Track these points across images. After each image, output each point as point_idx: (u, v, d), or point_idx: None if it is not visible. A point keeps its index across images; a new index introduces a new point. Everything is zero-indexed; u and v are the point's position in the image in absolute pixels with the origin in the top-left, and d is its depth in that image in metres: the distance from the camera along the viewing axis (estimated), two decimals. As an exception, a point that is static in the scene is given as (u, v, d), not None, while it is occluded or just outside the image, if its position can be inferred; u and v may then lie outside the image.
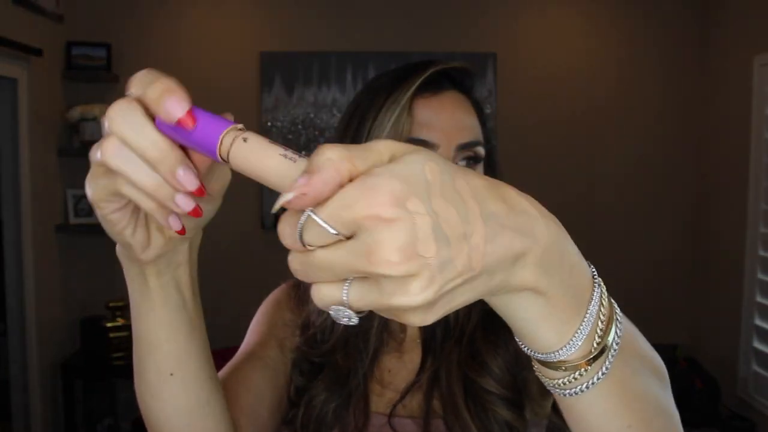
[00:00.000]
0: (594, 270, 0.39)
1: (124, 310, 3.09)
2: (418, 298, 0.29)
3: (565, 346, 0.36)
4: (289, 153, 0.33)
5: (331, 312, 0.33)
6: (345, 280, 0.31)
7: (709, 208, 3.30)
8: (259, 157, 0.34)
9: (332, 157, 0.29)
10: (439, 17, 3.33)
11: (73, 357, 3.06)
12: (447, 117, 0.72)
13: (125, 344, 3.05)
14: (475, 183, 0.31)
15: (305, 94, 3.28)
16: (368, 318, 0.77)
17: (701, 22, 3.33)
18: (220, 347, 3.93)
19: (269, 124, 3.29)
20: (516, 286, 0.33)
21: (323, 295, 0.32)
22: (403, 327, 0.82)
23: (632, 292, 2.96)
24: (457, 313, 0.77)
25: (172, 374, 0.55)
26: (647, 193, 3.43)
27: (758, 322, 2.80)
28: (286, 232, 0.31)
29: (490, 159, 0.78)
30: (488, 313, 0.77)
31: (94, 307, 3.15)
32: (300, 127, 3.29)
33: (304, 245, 0.31)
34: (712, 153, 3.26)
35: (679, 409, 0.46)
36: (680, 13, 3.36)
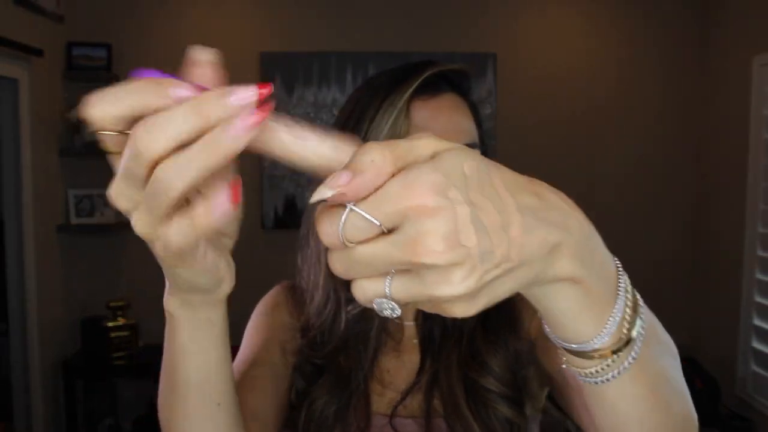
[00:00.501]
0: (617, 261, 0.40)
1: (125, 309, 3.09)
2: (461, 287, 0.30)
3: (599, 335, 0.38)
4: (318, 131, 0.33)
5: (374, 306, 0.33)
6: (386, 273, 0.32)
7: (709, 208, 3.30)
8: (291, 131, 0.32)
9: (376, 160, 0.30)
10: (439, 17, 3.34)
11: (74, 357, 3.07)
12: (444, 119, 0.73)
13: (126, 344, 3.05)
14: (510, 178, 0.33)
15: (305, 94, 3.28)
16: (367, 319, 0.77)
17: (701, 22, 3.33)
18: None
19: (269, 124, 3.29)
20: (554, 277, 0.34)
21: (366, 290, 0.33)
22: (401, 327, 0.82)
23: (632, 292, 2.96)
24: None
25: (219, 404, 0.53)
26: (647, 193, 3.43)
27: (757, 322, 2.80)
28: (326, 229, 0.31)
29: None
30: (487, 312, 0.78)
31: (95, 307, 3.16)
32: (300, 127, 3.29)
33: (343, 242, 0.31)
34: (712, 153, 3.27)
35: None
36: (680, 13, 3.37)
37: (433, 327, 0.79)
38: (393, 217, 0.30)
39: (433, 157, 0.32)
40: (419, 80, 0.71)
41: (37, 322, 2.83)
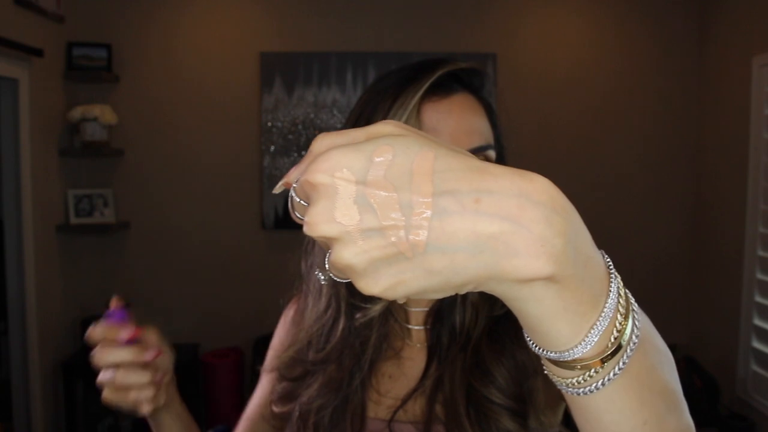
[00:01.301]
0: (609, 261, 0.37)
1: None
2: (342, 260, 0.31)
3: (581, 344, 0.34)
4: None
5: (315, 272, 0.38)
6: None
7: (709, 208, 3.30)
8: None
9: (313, 151, 0.34)
10: (439, 17, 3.34)
11: (73, 357, 3.07)
12: (456, 121, 0.70)
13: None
14: (450, 164, 0.31)
15: (305, 94, 3.28)
16: (368, 327, 0.77)
17: (700, 22, 3.34)
18: (221, 347, 3.91)
19: (269, 124, 3.29)
20: (512, 275, 0.31)
21: (326, 258, 0.36)
22: (407, 332, 0.81)
23: (631, 292, 2.95)
24: (463, 318, 0.77)
25: None
26: (647, 193, 3.43)
27: (757, 321, 2.80)
28: (289, 208, 0.36)
29: (501, 160, 0.76)
30: (494, 321, 0.77)
31: (94, 306, 3.16)
32: (300, 127, 3.29)
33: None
34: (712, 153, 3.27)
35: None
36: (680, 13, 3.37)
37: (442, 332, 0.78)
38: (302, 194, 0.34)
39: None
40: (430, 81, 0.69)
41: (37, 322, 2.83)
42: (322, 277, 0.38)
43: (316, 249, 0.76)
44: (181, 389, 0.83)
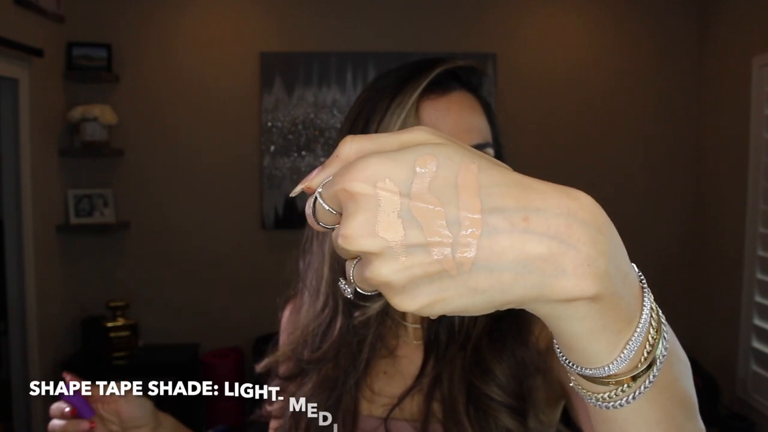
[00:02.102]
0: (642, 275, 0.37)
1: (125, 309, 3.09)
2: (380, 276, 0.30)
3: (616, 360, 0.34)
4: None
5: (339, 283, 0.36)
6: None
7: (708, 208, 3.30)
8: None
9: (340, 155, 0.32)
10: (439, 17, 3.34)
11: (74, 356, 3.07)
12: (455, 119, 0.70)
13: (126, 344, 3.05)
14: (495, 180, 0.30)
15: (305, 94, 3.28)
16: (365, 326, 0.76)
17: (700, 22, 3.34)
18: (221, 347, 3.90)
19: (269, 124, 3.29)
20: (559, 295, 0.31)
21: (346, 270, 0.34)
22: (405, 330, 0.81)
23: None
24: (462, 316, 0.76)
25: None
26: (647, 193, 3.43)
27: (757, 321, 2.80)
28: (306, 213, 0.34)
29: (499, 158, 0.75)
30: (495, 319, 0.76)
31: (94, 306, 3.16)
32: (300, 127, 3.29)
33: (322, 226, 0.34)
34: (712, 153, 3.27)
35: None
36: (680, 13, 3.37)
37: (440, 330, 0.77)
38: (332, 201, 0.31)
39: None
40: (428, 79, 0.70)
41: (37, 322, 2.83)
42: (349, 290, 0.35)
43: (331, 259, 0.74)
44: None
